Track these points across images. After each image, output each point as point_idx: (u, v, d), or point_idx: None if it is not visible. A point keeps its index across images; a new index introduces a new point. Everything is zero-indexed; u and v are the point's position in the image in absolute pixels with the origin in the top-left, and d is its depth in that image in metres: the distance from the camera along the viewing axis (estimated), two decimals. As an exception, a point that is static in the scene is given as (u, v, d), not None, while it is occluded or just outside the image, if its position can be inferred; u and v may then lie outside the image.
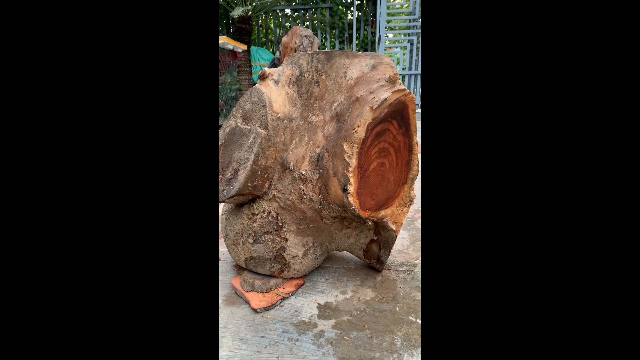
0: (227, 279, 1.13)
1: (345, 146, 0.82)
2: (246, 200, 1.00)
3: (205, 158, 0.42)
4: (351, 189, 0.84)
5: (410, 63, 6.10)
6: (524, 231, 0.36)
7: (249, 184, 0.91)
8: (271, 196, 0.97)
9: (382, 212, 0.93)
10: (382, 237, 1.05)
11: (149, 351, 0.38)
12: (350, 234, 1.09)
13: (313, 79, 0.93)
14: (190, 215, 0.41)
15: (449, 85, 0.39)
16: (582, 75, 0.35)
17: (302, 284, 1.10)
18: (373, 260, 1.13)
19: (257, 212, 0.99)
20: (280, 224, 0.99)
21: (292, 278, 1.08)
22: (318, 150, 0.89)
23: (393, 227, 0.97)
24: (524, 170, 0.36)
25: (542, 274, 0.35)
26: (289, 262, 1.02)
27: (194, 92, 0.42)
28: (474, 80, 0.38)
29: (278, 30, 7.95)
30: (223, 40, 4.48)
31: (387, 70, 0.84)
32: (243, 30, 5.86)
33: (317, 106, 0.92)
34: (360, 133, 0.81)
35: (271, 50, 8.01)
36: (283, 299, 1.02)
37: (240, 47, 5.00)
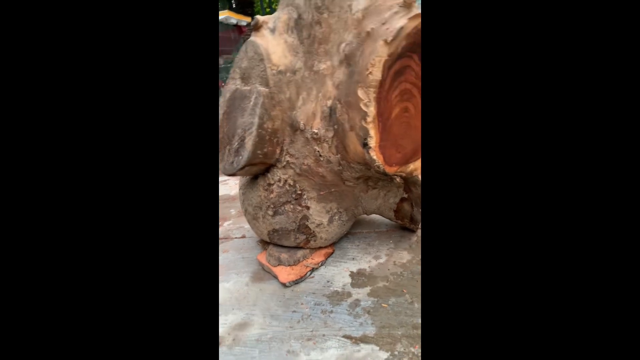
0: (252, 256, 1.09)
1: (360, 93, 0.70)
2: (260, 171, 0.92)
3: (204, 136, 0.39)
4: (372, 142, 0.73)
5: None
6: (523, 227, 0.35)
7: (258, 152, 0.83)
8: (284, 163, 0.88)
9: (411, 166, 0.81)
10: (414, 193, 0.94)
11: (147, 339, 0.35)
12: (377, 194, 0.99)
13: (314, 20, 0.80)
14: (188, 198, 0.38)
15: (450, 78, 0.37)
16: (580, 60, 0.33)
17: (332, 253, 1.03)
18: (406, 220, 1.03)
19: (272, 182, 0.91)
20: (299, 192, 0.90)
21: (320, 247, 1.02)
22: (329, 102, 0.78)
23: (425, 180, 0.86)
24: (525, 166, 0.35)
25: (542, 271, 0.34)
26: (314, 231, 0.94)
27: (191, 72, 0.38)
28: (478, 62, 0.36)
29: (281, -3, 7.56)
30: (225, 15, 4.30)
31: (400, -7, 0.69)
32: (245, 2, 5.60)
33: (322, 51, 0.80)
34: (376, 74, 0.68)
35: (277, 20, 7.66)
36: (312, 270, 0.96)
37: (245, 20, 4.80)
